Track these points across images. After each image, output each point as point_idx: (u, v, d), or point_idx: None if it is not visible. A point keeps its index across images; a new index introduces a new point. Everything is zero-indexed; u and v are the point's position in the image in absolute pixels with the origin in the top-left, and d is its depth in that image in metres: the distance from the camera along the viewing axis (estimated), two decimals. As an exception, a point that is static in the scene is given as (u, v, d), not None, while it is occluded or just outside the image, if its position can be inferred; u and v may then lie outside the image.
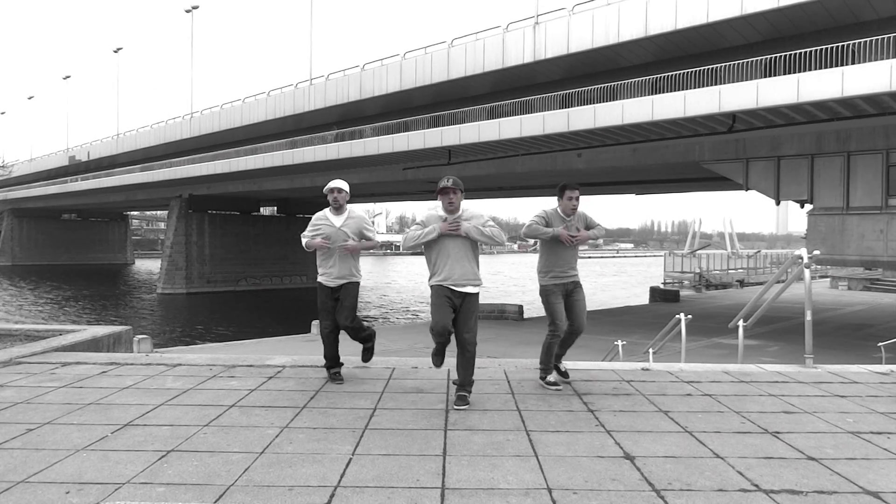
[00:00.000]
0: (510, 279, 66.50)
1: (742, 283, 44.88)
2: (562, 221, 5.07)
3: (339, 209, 5.32)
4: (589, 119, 21.05)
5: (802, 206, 21.68)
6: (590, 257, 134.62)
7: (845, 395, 4.98)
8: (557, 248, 5.07)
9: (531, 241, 5.06)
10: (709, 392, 5.05)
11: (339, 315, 5.27)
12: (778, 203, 21.74)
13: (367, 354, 5.60)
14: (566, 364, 5.44)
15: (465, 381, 4.66)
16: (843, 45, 16.86)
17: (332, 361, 5.40)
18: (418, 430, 3.97)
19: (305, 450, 3.58)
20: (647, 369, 5.92)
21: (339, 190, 5.28)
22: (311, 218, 5.48)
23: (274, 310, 40.43)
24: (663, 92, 19.92)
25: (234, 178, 42.34)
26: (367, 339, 5.51)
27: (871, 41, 16.55)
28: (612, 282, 61.60)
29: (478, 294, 4.73)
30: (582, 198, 5.19)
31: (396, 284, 61.83)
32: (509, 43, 25.00)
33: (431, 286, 4.70)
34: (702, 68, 19.43)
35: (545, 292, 5.13)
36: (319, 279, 5.36)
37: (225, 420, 4.16)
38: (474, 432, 3.94)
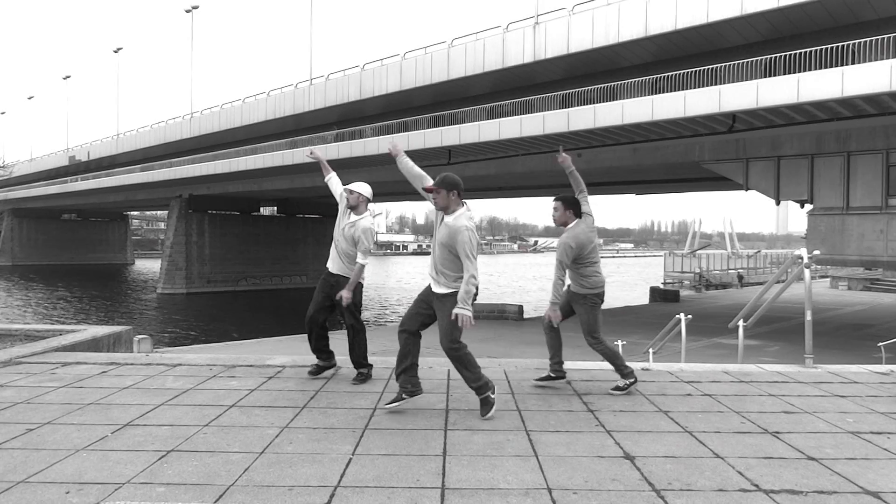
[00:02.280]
0: (507, 280, 66.51)
1: (741, 280, 44.81)
2: None
3: (352, 209, 5.31)
4: (589, 119, 21.05)
5: (802, 206, 21.68)
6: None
7: (845, 395, 4.98)
8: None
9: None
10: (709, 392, 5.06)
11: (344, 313, 5.32)
12: (778, 203, 21.74)
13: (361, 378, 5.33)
14: (566, 364, 5.43)
15: (470, 386, 4.38)
16: (843, 45, 16.86)
17: (315, 354, 5.39)
18: (418, 430, 3.97)
19: (305, 450, 3.58)
20: (647, 369, 5.93)
21: (350, 191, 5.29)
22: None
23: (274, 310, 40.41)
24: (663, 92, 19.92)
25: (234, 178, 42.34)
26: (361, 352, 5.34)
27: (871, 41, 16.55)
28: (612, 282, 61.59)
29: (447, 295, 4.27)
30: None
31: (396, 284, 61.81)
32: (509, 43, 25.01)
33: None
34: (702, 68, 19.42)
35: None
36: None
37: (225, 420, 4.16)
38: (474, 432, 3.94)
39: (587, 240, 4.89)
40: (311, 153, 5.57)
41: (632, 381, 4.97)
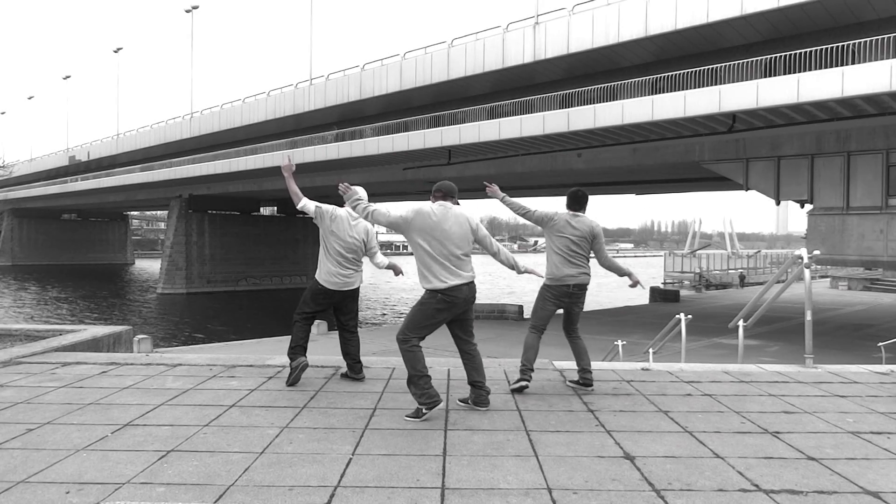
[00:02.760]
0: (507, 280, 66.47)
1: (743, 279, 44.75)
2: None
3: None
4: (589, 119, 21.05)
5: (802, 206, 21.68)
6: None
7: (845, 395, 4.98)
8: None
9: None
10: (709, 392, 5.05)
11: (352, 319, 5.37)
12: (778, 203, 21.75)
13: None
14: (563, 364, 5.43)
15: (407, 386, 4.43)
16: (843, 45, 16.86)
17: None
18: (418, 430, 3.97)
19: (305, 450, 3.58)
20: (647, 369, 5.92)
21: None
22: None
23: (274, 310, 40.41)
24: (663, 92, 19.92)
25: (234, 178, 42.35)
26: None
27: (871, 41, 16.55)
28: (612, 281, 61.52)
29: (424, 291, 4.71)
30: None
31: (396, 284, 61.76)
32: (509, 43, 25.01)
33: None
34: (702, 68, 19.43)
35: None
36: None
37: (225, 420, 4.16)
38: (474, 432, 3.94)
39: (561, 222, 5.15)
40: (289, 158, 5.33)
41: (519, 384, 4.89)
